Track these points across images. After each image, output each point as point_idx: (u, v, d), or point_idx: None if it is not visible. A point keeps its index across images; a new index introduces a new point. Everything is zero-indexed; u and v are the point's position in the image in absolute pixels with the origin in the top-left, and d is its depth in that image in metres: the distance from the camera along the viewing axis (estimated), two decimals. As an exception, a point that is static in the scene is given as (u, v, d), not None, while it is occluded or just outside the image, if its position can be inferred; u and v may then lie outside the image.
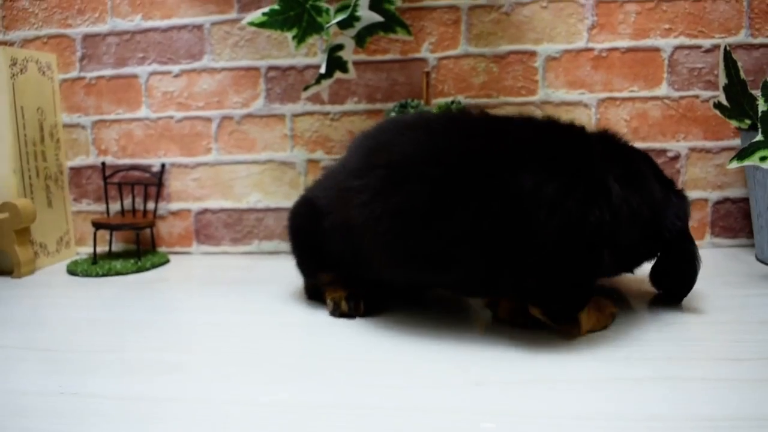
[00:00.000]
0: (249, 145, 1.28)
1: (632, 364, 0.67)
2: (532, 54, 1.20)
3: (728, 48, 1.03)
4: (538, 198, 0.68)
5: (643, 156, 0.86)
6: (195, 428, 0.56)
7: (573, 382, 0.63)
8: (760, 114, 0.89)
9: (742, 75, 1.02)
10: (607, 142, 0.82)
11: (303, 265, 0.94)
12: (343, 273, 0.89)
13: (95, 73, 1.31)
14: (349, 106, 1.25)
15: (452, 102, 1.09)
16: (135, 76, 1.30)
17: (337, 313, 0.86)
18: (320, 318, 0.87)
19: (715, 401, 0.58)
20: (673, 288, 0.88)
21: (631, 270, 0.87)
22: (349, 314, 0.86)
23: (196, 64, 1.28)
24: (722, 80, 1.04)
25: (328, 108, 1.25)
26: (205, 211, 1.31)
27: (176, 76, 1.29)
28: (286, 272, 1.09)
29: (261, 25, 1.03)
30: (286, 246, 1.28)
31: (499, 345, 0.74)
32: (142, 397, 0.63)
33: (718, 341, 0.74)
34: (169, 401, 0.62)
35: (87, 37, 1.30)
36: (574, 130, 0.78)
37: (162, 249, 1.32)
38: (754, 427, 0.53)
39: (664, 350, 0.71)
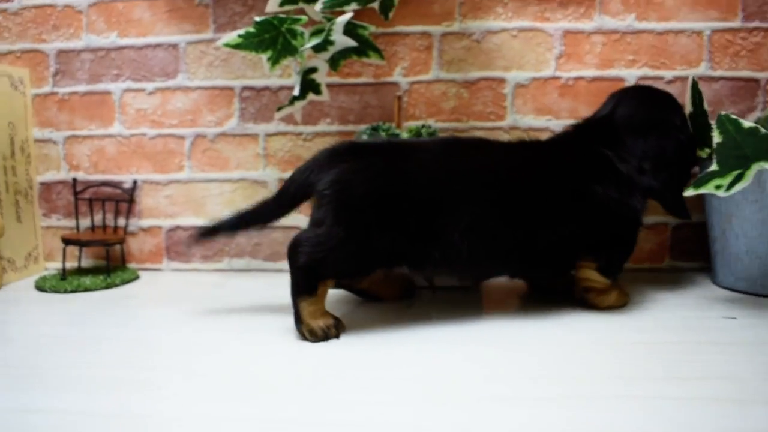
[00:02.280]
0: (222, 164, 1.29)
1: (581, 383, 0.70)
2: (502, 81, 1.23)
3: (695, 79, 1.07)
4: (607, 198, 0.94)
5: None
6: (164, 446, 0.57)
7: (524, 399, 0.66)
8: (714, 145, 0.93)
9: (705, 105, 1.06)
10: (605, 137, 1.00)
11: (355, 260, 0.88)
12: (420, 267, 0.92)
13: (68, 89, 1.31)
14: (321, 127, 1.27)
15: (423, 126, 1.11)
16: (108, 93, 1.31)
17: (322, 340, 0.86)
18: (290, 335, 0.88)
19: (660, 420, 0.61)
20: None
21: None
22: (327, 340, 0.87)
23: (171, 83, 1.29)
24: (688, 108, 1.08)
25: (301, 128, 1.27)
26: (177, 228, 1.31)
27: (150, 93, 1.30)
28: (257, 289, 1.10)
29: (236, 46, 1.05)
30: (257, 263, 1.30)
31: (460, 364, 0.76)
32: (109, 414, 0.64)
33: (667, 361, 0.77)
34: (137, 417, 0.63)
35: (61, 53, 1.31)
36: (594, 147, 0.98)
37: (132, 265, 1.32)
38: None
39: (614, 370, 0.74)
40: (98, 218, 1.31)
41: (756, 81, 1.21)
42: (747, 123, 0.91)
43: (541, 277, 1.06)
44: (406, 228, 0.87)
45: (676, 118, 1.02)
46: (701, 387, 0.69)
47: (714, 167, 0.94)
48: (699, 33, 1.20)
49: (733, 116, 0.91)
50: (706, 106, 1.06)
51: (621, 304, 1.00)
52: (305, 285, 0.87)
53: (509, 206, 0.91)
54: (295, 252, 0.87)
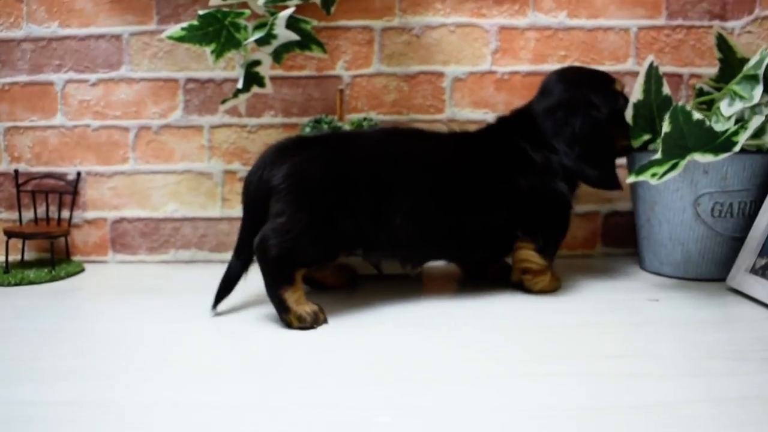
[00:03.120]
0: (167, 155, 1.30)
1: (516, 363, 0.75)
2: (440, 75, 1.28)
3: (654, 63, 1.08)
4: (531, 186, 1.00)
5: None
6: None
7: (465, 380, 0.70)
8: (663, 134, 0.98)
9: (666, 91, 1.08)
10: (523, 127, 1.05)
11: (322, 244, 0.91)
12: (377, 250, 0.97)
13: (9, 79, 1.30)
14: (266, 119, 1.29)
15: (364, 119, 1.14)
16: (51, 84, 1.30)
17: (314, 325, 0.87)
18: (234, 324, 0.91)
19: (588, 393, 0.66)
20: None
21: None
22: (320, 324, 0.89)
23: (114, 74, 1.29)
24: (637, 95, 1.08)
25: (245, 120, 1.29)
26: (122, 220, 1.32)
27: (93, 84, 1.29)
28: (203, 281, 1.12)
29: (180, 39, 1.06)
30: (203, 255, 1.31)
31: (400, 348, 0.80)
32: (54, 403, 0.65)
33: (595, 341, 0.82)
34: (82, 406, 0.64)
35: (1, 42, 1.29)
36: (516, 141, 1.03)
37: (77, 258, 1.32)
38: (627, 414, 0.61)
39: (547, 349, 0.79)
40: (41, 211, 1.31)
41: (679, 76, 1.28)
42: (697, 115, 0.95)
43: (478, 261, 1.12)
44: (360, 209, 0.91)
45: (591, 96, 1.03)
46: (623, 363, 0.74)
47: (658, 155, 0.98)
48: (626, 30, 1.27)
49: (687, 108, 0.96)
50: (666, 91, 1.07)
51: (553, 288, 1.05)
52: (283, 275, 0.88)
53: (442, 192, 0.97)
54: (264, 246, 0.88)
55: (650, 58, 1.08)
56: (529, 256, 1.02)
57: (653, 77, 1.08)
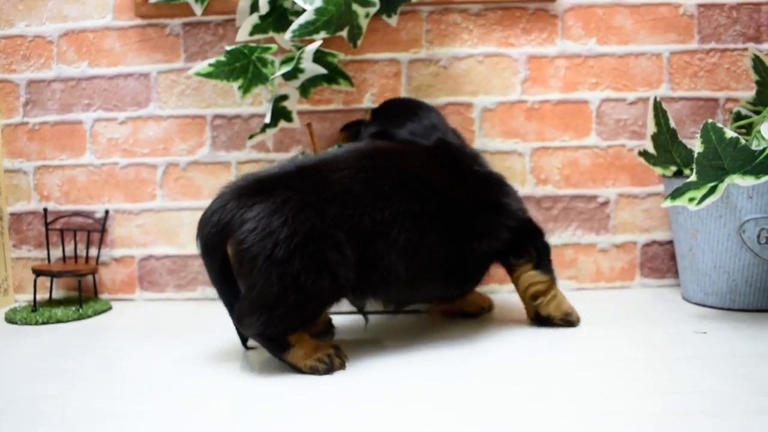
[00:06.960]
0: (194, 192, 1.29)
1: (563, 403, 0.71)
2: (469, 105, 1.26)
3: (658, 99, 1.09)
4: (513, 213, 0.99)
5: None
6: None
7: (510, 419, 0.66)
8: (696, 155, 0.93)
9: (672, 124, 1.08)
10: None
11: (302, 308, 0.82)
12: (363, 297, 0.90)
13: (39, 119, 1.31)
14: (294, 154, 1.28)
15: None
16: (80, 123, 1.31)
17: (330, 370, 0.82)
18: (266, 365, 0.88)
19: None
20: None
21: None
22: (337, 369, 0.84)
23: (142, 112, 1.29)
24: (651, 129, 1.11)
25: (273, 156, 1.28)
26: (149, 257, 1.31)
27: (122, 122, 1.30)
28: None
29: (207, 75, 1.06)
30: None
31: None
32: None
33: (643, 377, 0.78)
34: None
35: (31, 83, 1.31)
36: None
37: (104, 296, 1.31)
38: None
39: (594, 387, 0.75)
40: (69, 249, 1.30)
41: (715, 100, 1.25)
42: (730, 133, 0.91)
43: (463, 295, 1.06)
44: (340, 261, 0.82)
45: None
46: (677, 401, 0.70)
47: (693, 178, 0.94)
48: (658, 55, 1.24)
49: (719, 125, 0.91)
50: (672, 124, 1.08)
51: (567, 310, 1.01)
52: (275, 345, 0.84)
53: (442, 218, 0.91)
54: (243, 324, 0.84)
55: (653, 96, 1.10)
56: (532, 277, 0.99)
57: (660, 112, 1.09)
